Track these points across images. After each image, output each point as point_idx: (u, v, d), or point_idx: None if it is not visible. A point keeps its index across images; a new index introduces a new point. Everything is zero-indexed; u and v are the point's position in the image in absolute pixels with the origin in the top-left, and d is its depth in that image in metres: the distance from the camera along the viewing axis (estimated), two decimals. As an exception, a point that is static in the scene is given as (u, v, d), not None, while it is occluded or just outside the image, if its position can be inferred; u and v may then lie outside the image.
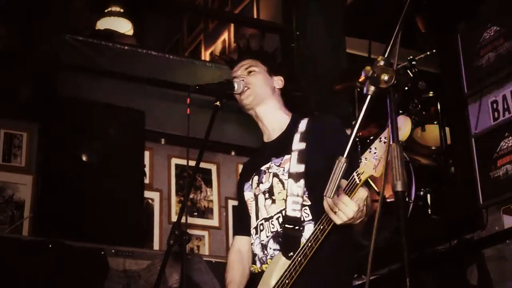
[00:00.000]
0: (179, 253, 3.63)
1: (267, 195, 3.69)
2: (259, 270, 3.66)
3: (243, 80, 3.80)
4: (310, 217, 3.55)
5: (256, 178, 3.79)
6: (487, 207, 5.09)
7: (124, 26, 9.25)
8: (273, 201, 3.66)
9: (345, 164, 2.25)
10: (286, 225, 3.55)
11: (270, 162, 3.74)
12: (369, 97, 2.15)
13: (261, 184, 3.74)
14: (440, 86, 6.04)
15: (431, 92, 6.18)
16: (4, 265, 5.38)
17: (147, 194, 6.85)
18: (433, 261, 5.26)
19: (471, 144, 5.25)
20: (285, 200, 3.58)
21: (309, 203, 3.57)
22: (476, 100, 5.31)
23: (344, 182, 3.13)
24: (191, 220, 6.74)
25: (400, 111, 6.05)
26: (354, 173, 3.11)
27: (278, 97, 3.89)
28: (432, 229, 5.59)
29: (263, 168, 3.77)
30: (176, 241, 3.51)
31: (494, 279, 4.85)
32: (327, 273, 3.53)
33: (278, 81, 3.91)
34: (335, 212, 3.12)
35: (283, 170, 3.65)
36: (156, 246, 6.80)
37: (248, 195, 3.84)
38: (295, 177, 3.58)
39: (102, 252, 5.69)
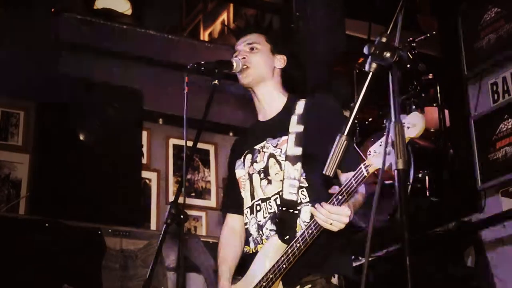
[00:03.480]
0: (176, 234, 3.60)
1: (262, 175, 3.66)
2: (253, 251, 3.63)
3: (243, 58, 3.77)
4: (307, 199, 3.53)
5: (249, 156, 3.75)
6: (486, 189, 5.08)
7: (123, 6, 9.18)
8: (269, 182, 3.63)
9: (345, 141, 2.23)
10: (283, 208, 3.53)
11: (265, 142, 3.70)
12: (370, 74, 2.13)
13: (255, 163, 3.71)
14: (440, 67, 6.02)
15: (430, 74, 6.15)
16: (0, 244, 5.36)
17: (145, 174, 6.83)
18: (431, 243, 5.26)
19: (470, 126, 5.24)
20: (282, 183, 3.55)
21: (306, 185, 3.55)
22: (476, 82, 5.30)
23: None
24: (188, 200, 6.69)
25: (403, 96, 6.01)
26: (362, 165, 3.10)
27: (278, 77, 3.84)
28: (430, 211, 5.58)
29: (257, 147, 3.73)
30: (174, 220, 3.49)
31: (491, 261, 4.85)
32: (325, 256, 3.49)
33: (280, 60, 3.85)
34: (330, 223, 3.15)
35: (281, 152, 3.62)
36: (153, 226, 6.80)
37: (240, 172, 3.80)
38: (292, 160, 3.55)
39: (99, 232, 5.68)
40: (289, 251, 3.37)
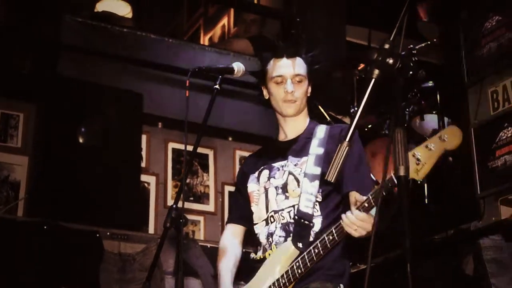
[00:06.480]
0: (175, 238, 3.62)
1: (280, 190, 3.76)
2: (261, 257, 3.73)
3: (292, 92, 3.77)
4: (319, 213, 3.65)
5: (266, 172, 3.85)
6: (485, 197, 5.08)
7: (124, 9, 9.19)
8: (287, 197, 3.73)
9: (347, 147, 2.24)
10: (299, 219, 3.63)
11: (286, 161, 3.80)
12: (373, 80, 2.12)
13: (272, 179, 3.80)
14: (440, 75, 6.02)
15: (430, 82, 6.15)
16: (-2, 246, 5.36)
17: (143, 178, 6.82)
18: (429, 250, 5.25)
19: (470, 134, 5.24)
20: (299, 196, 3.66)
21: (320, 200, 3.68)
22: (476, 90, 5.29)
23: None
24: (187, 205, 6.64)
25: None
26: (393, 175, 3.16)
27: (306, 103, 3.92)
28: (429, 218, 5.58)
29: (276, 164, 3.83)
30: (173, 223, 3.50)
31: (489, 269, 4.84)
32: (333, 264, 3.62)
33: (309, 88, 3.91)
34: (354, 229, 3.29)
35: (300, 171, 3.72)
36: (151, 230, 6.78)
37: (253, 187, 3.89)
38: (311, 177, 3.67)
39: (97, 235, 5.67)
40: (306, 256, 3.48)
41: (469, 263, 4.95)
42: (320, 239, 3.45)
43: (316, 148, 3.74)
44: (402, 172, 2.02)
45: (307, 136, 3.84)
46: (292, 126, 3.89)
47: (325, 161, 3.66)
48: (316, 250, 3.44)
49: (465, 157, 5.30)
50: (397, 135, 2.04)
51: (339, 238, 3.39)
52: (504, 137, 5.00)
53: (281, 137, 3.96)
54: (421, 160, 3.03)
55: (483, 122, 5.19)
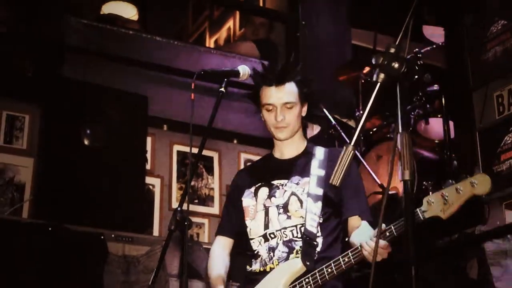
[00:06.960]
0: (180, 240, 3.64)
1: (281, 210, 3.81)
2: (261, 270, 3.80)
3: (282, 119, 3.81)
4: (320, 234, 3.76)
5: (265, 189, 3.91)
6: (489, 201, 5.07)
7: (129, 11, 9.20)
8: (289, 217, 3.80)
9: (352, 151, 2.24)
10: (306, 238, 3.72)
11: (286, 180, 3.87)
12: (378, 84, 2.13)
13: (273, 198, 3.86)
14: (446, 79, 6.02)
15: (436, 85, 6.15)
16: (3, 248, 5.35)
17: (148, 180, 6.82)
18: (433, 254, 5.25)
19: (475, 138, 5.24)
20: (305, 217, 3.74)
21: (321, 221, 3.77)
22: (481, 94, 5.29)
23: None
24: (191, 207, 6.72)
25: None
26: (418, 210, 3.37)
27: (301, 123, 3.97)
28: (433, 222, 5.56)
29: (275, 183, 3.89)
30: (177, 226, 3.52)
31: (494, 273, 4.84)
32: (336, 279, 3.72)
33: (304, 109, 3.95)
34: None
35: (303, 191, 3.80)
36: (156, 232, 6.78)
37: (249, 202, 3.94)
38: (314, 198, 3.76)
39: (102, 237, 5.66)
40: (318, 274, 3.58)
41: (473, 267, 4.94)
42: (334, 260, 3.54)
43: (317, 169, 3.83)
44: (406, 176, 2.02)
45: (306, 156, 3.92)
46: (289, 148, 3.96)
47: (326, 183, 3.76)
48: (329, 270, 3.54)
49: (470, 161, 5.30)
50: (402, 139, 2.04)
51: (355, 261, 3.48)
52: (509, 141, 5.00)
53: (277, 155, 4.02)
54: (448, 201, 3.14)
55: (488, 126, 5.19)
